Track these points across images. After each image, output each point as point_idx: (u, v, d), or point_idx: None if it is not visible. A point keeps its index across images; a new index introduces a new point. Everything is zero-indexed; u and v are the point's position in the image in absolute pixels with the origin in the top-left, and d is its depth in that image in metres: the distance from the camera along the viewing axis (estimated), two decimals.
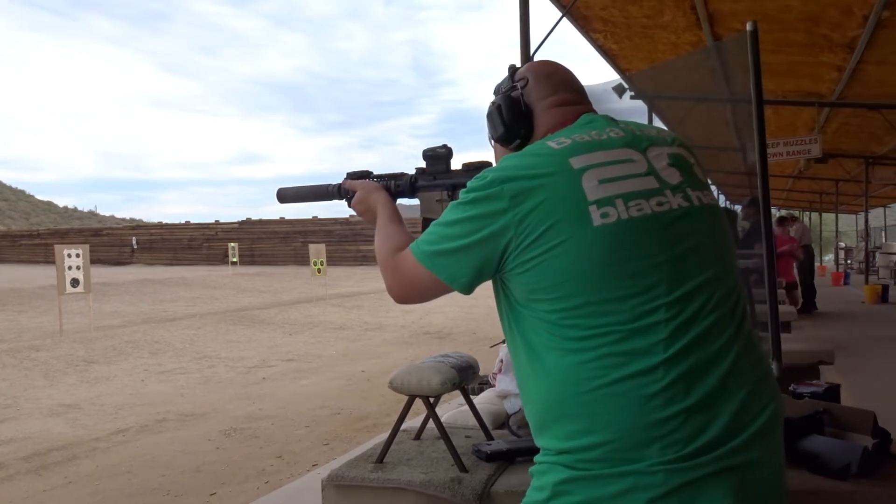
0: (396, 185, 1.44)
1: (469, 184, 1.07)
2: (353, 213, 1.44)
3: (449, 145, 1.42)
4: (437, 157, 1.42)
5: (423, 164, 1.44)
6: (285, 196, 1.64)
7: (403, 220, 1.32)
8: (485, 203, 1.03)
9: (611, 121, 1.14)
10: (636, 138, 1.09)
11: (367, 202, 1.38)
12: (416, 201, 1.45)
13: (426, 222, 1.35)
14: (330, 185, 1.53)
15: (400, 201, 1.42)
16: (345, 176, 1.50)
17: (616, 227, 0.98)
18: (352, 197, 1.44)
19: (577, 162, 1.02)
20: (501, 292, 1.10)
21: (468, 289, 1.09)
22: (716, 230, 1.08)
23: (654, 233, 1.00)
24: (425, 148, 1.43)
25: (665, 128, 1.19)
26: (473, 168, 1.35)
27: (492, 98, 1.26)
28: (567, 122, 1.15)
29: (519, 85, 1.21)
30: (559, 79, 1.21)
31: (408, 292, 1.16)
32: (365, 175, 1.48)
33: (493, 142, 1.27)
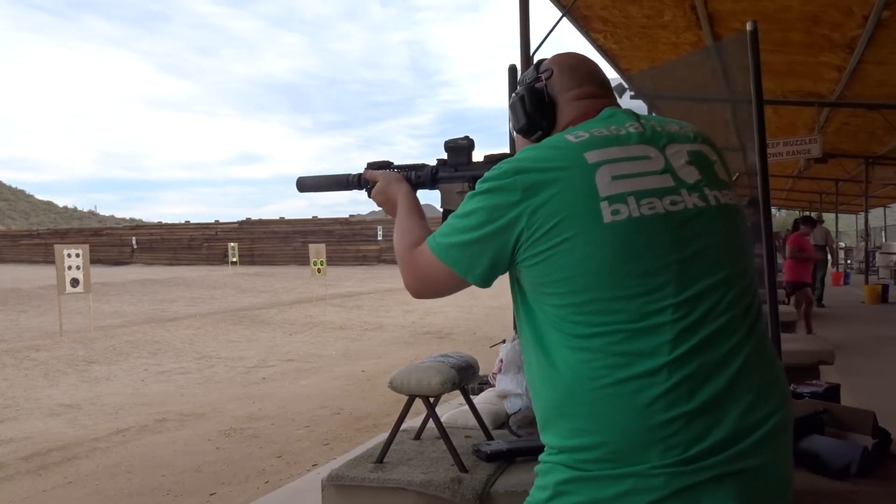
0: (417, 175, 1.42)
1: (485, 174, 1.06)
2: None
3: (471, 137, 1.41)
4: (459, 148, 1.41)
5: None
6: (305, 185, 1.61)
7: (426, 215, 1.31)
8: (498, 194, 1.02)
9: (632, 115, 1.12)
10: (655, 135, 1.08)
11: (388, 193, 1.37)
12: (436, 192, 1.44)
13: (446, 214, 1.34)
14: (350, 174, 1.51)
15: (420, 193, 1.40)
16: (365, 166, 1.49)
17: (626, 224, 0.97)
18: (372, 187, 1.42)
19: (591, 157, 1.01)
20: (516, 285, 1.10)
21: (483, 282, 1.08)
22: (732, 231, 1.06)
23: (665, 232, 0.99)
24: (446, 139, 1.42)
25: (688, 123, 1.17)
26: (495, 160, 1.33)
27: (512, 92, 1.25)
28: (589, 115, 1.14)
29: (543, 76, 1.20)
30: (584, 71, 1.20)
31: (424, 286, 1.15)
32: (386, 165, 1.46)
33: (514, 133, 1.26)
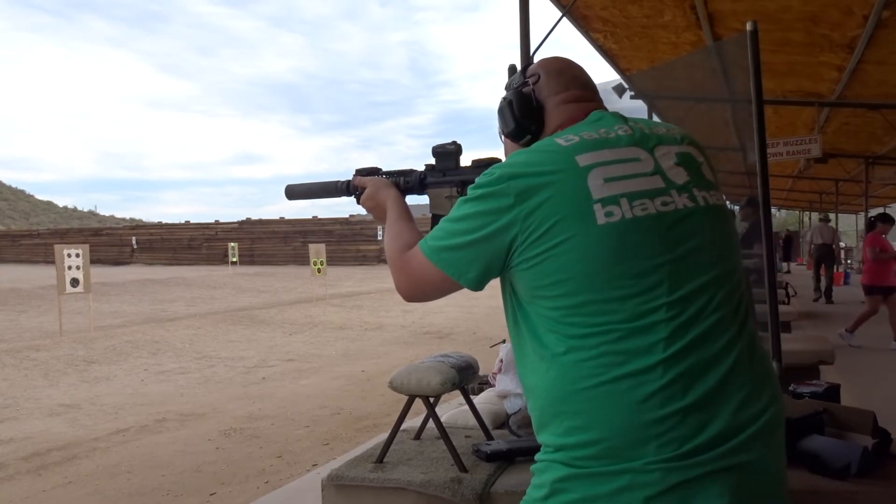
0: (406, 181, 1.43)
1: (477, 180, 1.07)
2: (361, 211, 1.44)
3: (458, 142, 1.42)
4: (447, 153, 1.41)
5: (426, 162, 1.44)
6: (294, 192, 1.63)
7: (414, 218, 1.32)
8: (491, 199, 1.03)
9: (620, 118, 1.14)
10: (644, 137, 1.09)
11: (377, 199, 1.38)
12: (425, 198, 1.45)
13: (435, 219, 1.35)
14: (339, 181, 1.52)
15: (409, 198, 1.41)
16: (354, 172, 1.49)
17: (620, 226, 0.98)
18: (361, 193, 1.43)
19: (583, 160, 1.02)
20: (508, 289, 1.10)
21: (476, 285, 1.08)
22: (721, 231, 1.08)
23: (658, 233, 1.00)
24: (434, 145, 1.43)
25: (674, 126, 1.19)
26: (483, 164, 1.35)
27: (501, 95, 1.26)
28: (577, 118, 1.15)
29: (530, 81, 1.21)
30: (571, 75, 1.21)
31: (416, 289, 1.15)
32: (374, 172, 1.47)
33: (503, 137, 1.27)
